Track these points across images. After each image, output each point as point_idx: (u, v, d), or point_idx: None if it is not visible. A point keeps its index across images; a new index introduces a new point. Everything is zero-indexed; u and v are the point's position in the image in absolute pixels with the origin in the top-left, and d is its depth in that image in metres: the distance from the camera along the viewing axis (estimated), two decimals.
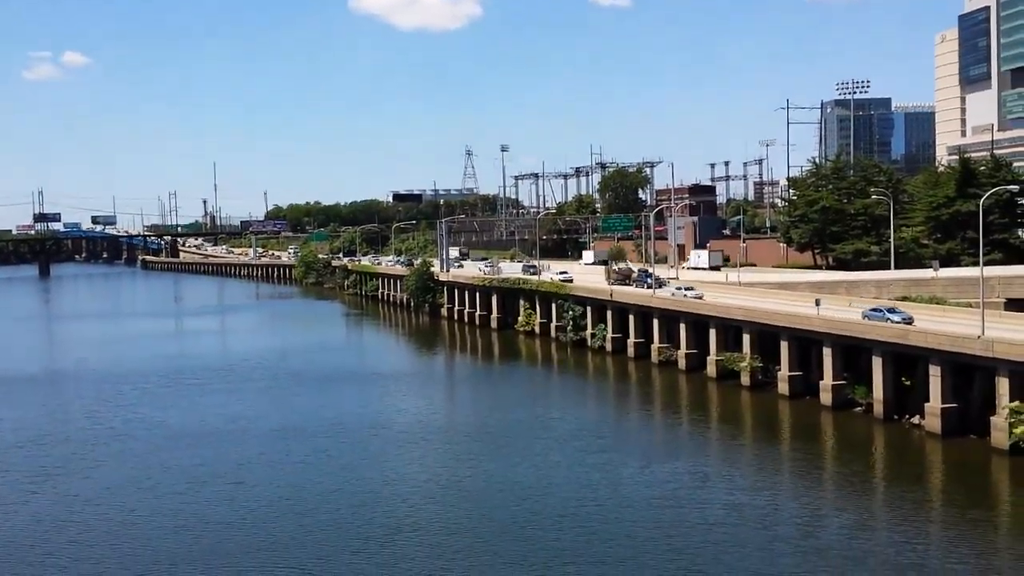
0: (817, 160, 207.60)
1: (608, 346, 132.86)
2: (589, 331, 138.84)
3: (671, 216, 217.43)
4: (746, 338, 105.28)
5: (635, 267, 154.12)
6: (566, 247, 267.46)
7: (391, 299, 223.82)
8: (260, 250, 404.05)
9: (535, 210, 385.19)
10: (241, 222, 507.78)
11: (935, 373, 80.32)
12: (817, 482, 72.23)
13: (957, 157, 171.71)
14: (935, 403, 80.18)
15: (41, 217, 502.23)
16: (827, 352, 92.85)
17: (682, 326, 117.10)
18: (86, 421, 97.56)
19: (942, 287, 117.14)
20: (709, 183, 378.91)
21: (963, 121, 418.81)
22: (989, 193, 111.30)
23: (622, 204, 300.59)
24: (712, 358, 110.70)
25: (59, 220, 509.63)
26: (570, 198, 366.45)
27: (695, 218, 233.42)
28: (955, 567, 52.96)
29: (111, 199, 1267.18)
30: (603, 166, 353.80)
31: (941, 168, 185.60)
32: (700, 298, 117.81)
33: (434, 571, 53.63)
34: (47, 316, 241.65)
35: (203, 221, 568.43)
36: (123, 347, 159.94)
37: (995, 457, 73.34)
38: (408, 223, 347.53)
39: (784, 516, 62.47)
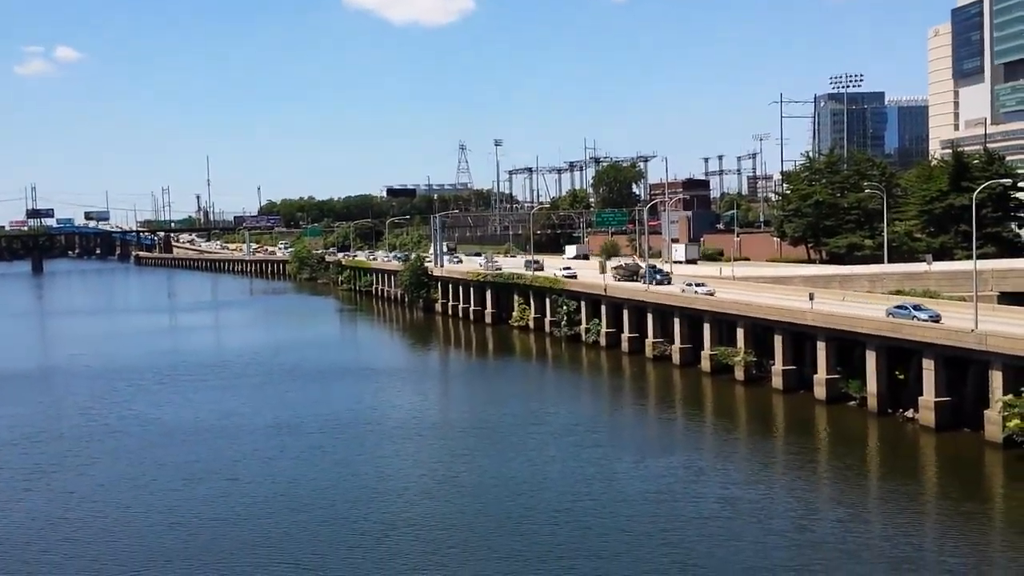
0: (810, 154, 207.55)
1: (602, 341, 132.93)
2: (583, 326, 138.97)
3: (665, 210, 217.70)
4: (740, 332, 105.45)
5: (642, 263, 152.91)
6: (560, 242, 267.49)
7: (385, 294, 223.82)
8: (254, 246, 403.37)
9: (529, 205, 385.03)
10: (235, 217, 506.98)
11: (929, 367, 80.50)
12: (811, 476, 72.37)
13: (950, 151, 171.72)
14: (929, 397, 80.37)
15: (34, 213, 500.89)
16: (821, 346, 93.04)
17: (676, 321, 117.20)
18: (80, 418, 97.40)
19: (935, 281, 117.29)
20: (703, 177, 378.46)
21: (956, 115, 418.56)
22: (982, 187, 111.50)
23: (616, 199, 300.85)
24: (706, 352, 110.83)
25: (52, 216, 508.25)
26: (564, 193, 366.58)
27: (689, 212, 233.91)
28: (949, 560, 53.11)
29: (104, 195, 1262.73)
30: (597, 160, 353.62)
31: (934, 162, 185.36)
32: (712, 295, 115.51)
33: (429, 566, 53.67)
34: (40, 312, 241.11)
35: (196, 217, 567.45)
36: (117, 343, 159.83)
37: (988, 450, 73.49)
38: (402, 218, 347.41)
39: (778, 510, 62.58)
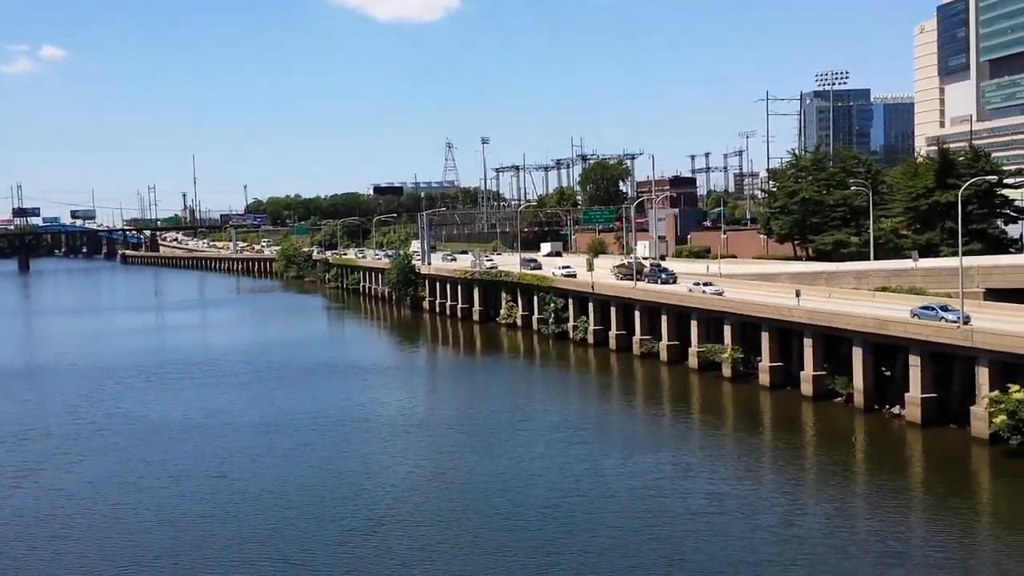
0: (797, 151, 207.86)
1: (590, 338, 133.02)
2: (571, 323, 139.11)
3: (652, 208, 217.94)
4: (727, 329, 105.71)
5: (646, 261, 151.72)
6: (547, 239, 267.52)
7: (373, 292, 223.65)
8: (242, 244, 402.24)
9: (516, 203, 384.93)
10: (221, 216, 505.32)
11: (915, 363, 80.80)
12: (798, 472, 72.65)
13: (936, 148, 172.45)
14: (915, 393, 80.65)
15: (20, 212, 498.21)
16: (808, 343, 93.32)
17: (664, 318, 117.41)
18: (67, 416, 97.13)
19: (921, 278, 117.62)
20: (689, 175, 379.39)
21: (942, 112, 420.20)
22: (968, 184, 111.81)
23: (603, 196, 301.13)
24: (694, 350, 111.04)
25: (38, 215, 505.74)
26: (551, 190, 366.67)
27: (676, 210, 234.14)
28: (936, 555, 53.39)
29: (90, 193, 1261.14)
30: (584, 158, 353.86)
31: (920, 159, 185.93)
32: (720, 294, 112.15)
33: (417, 562, 53.72)
34: (27, 311, 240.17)
35: (183, 215, 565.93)
36: (104, 342, 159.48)
37: (975, 446, 73.77)
38: (389, 216, 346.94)
39: (765, 505, 62.80)
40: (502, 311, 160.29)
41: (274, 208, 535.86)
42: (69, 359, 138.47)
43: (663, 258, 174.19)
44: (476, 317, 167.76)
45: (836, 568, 51.47)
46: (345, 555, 55.09)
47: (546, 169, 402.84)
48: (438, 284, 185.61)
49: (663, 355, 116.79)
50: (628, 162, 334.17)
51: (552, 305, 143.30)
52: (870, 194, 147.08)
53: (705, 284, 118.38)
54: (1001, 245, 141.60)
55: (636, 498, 64.36)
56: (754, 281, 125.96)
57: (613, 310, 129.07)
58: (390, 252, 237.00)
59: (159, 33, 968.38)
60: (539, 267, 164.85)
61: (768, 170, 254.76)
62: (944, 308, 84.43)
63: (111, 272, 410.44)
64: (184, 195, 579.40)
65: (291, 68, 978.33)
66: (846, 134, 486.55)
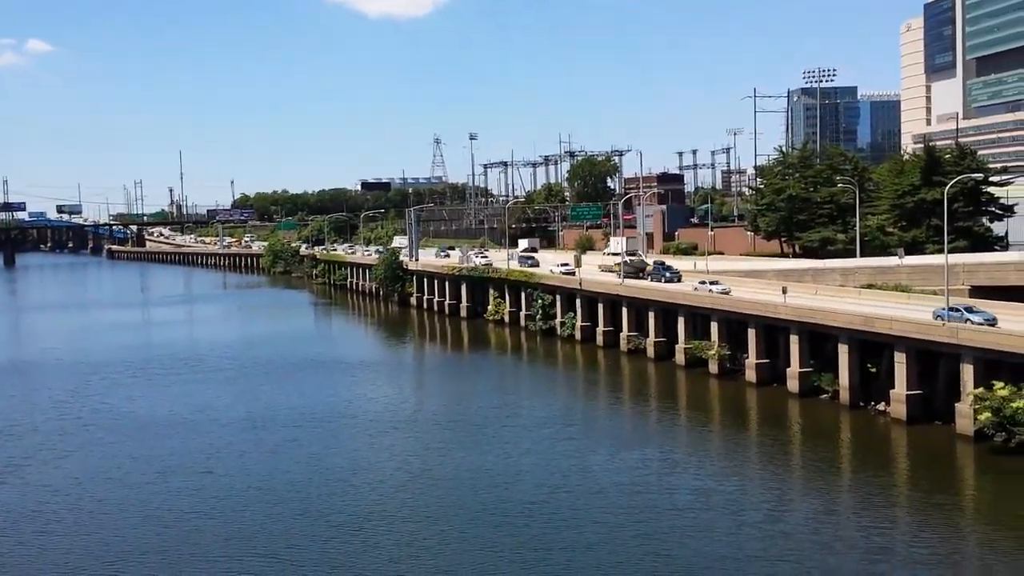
0: (784, 149, 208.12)
1: (577, 334, 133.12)
2: (558, 319, 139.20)
3: (639, 205, 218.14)
4: (714, 326, 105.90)
5: (649, 259, 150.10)
6: (535, 236, 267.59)
7: (360, 288, 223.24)
8: (229, 239, 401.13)
9: (504, 199, 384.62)
10: (208, 211, 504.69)
11: (900, 360, 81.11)
12: (784, 468, 72.88)
13: (922, 145, 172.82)
14: (900, 390, 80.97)
15: (6, 206, 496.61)
16: (794, 340, 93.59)
17: (651, 314, 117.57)
18: (54, 411, 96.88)
19: (907, 275, 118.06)
20: (677, 172, 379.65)
21: (928, 110, 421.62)
22: (954, 181, 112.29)
23: (591, 193, 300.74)
24: (681, 346, 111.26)
25: (24, 209, 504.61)
26: (539, 187, 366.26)
27: (663, 207, 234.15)
28: (920, 551, 53.70)
29: (77, 188, 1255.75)
30: (572, 155, 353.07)
31: (906, 156, 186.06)
32: (727, 293, 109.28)
33: (404, 558, 53.79)
34: (13, 307, 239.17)
35: (169, 210, 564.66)
36: (90, 337, 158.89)
37: (960, 443, 74.10)
38: (377, 212, 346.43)
39: (751, 501, 63.00)
40: (490, 307, 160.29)
41: (261, 203, 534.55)
42: (55, 354, 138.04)
43: (634, 254, 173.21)
44: (464, 313, 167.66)
45: (821, 564, 51.72)
46: (332, 551, 55.10)
47: (534, 165, 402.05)
48: (426, 280, 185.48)
49: (650, 351, 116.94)
50: (616, 159, 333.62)
51: (540, 301, 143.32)
52: (856, 191, 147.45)
53: (712, 283, 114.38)
54: (986, 243, 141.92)
55: (622, 494, 64.51)
56: (741, 278, 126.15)
57: (600, 306, 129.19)
58: (381, 248, 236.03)
59: (147, 29, 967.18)
60: (536, 264, 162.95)
61: (755, 167, 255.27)
62: (970, 309, 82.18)
63: (97, 267, 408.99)
64: (171, 190, 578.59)
65: (280, 64, 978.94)
66: (833, 131, 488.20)
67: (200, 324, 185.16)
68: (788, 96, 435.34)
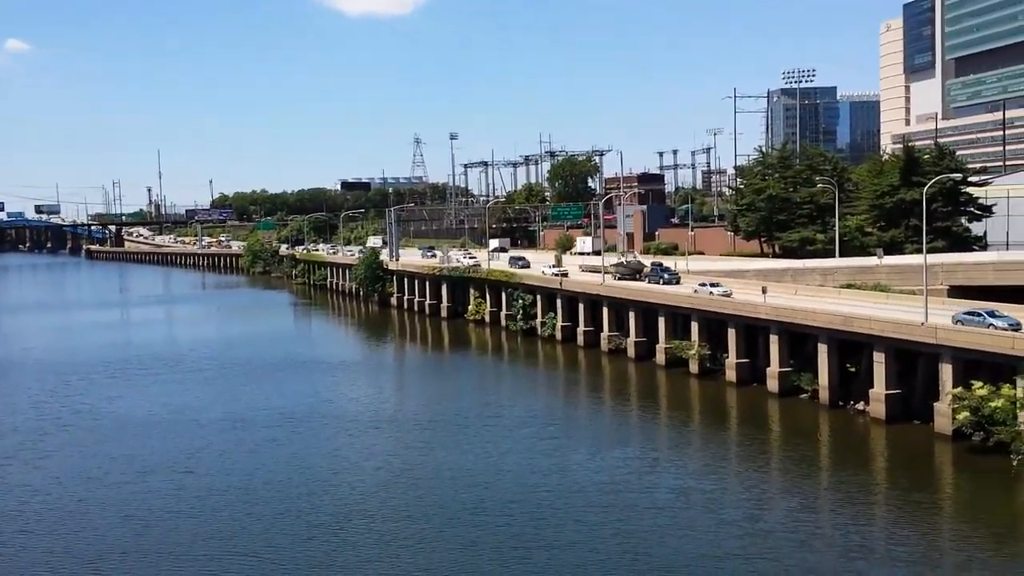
0: (764, 149, 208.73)
1: (558, 335, 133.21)
2: (539, 320, 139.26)
3: (620, 205, 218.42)
4: (694, 326, 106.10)
5: (646, 260, 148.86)
6: (516, 236, 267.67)
7: (340, 288, 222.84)
8: (208, 239, 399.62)
9: (485, 199, 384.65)
10: (186, 211, 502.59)
11: (879, 360, 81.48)
12: (763, 467, 73.09)
13: (901, 146, 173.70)
14: (879, 389, 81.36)
15: None
16: (774, 339, 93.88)
17: (631, 314, 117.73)
18: (33, 412, 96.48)
19: (886, 275, 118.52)
20: (658, 171, 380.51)
21: (907, 110, 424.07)
22: (933, 181, 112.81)
23: (572, 193, 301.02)
24: (661, 346, 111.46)
25: (2, 210, 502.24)
26: (520, 187, 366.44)
27: (644, 207, 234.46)
28: (898, 548, 53.98)
29: (55, 188, 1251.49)
30: (552, 154, 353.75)
31: (886, 157, 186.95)
32: (729, 295, 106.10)
33: (384, 557, 53.78)
34: None
35: (148, 210, 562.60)
36: (70, 337, 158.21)
37: (938, 442, 74.47)
38: (357, 212, 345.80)
39: (731, 500, 63.23)
40: (470, 307, 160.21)
41: (240, 203, 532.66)
42: (34, 355, 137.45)
43: (599, 253, 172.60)
44: (444, 313, 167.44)
45: (800, 562, 51.95)
46: (312, 550, 55.03)
47: (515, 165, 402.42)
48: (406, 280, 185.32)
49: (630, 351, 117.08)
50: (596, 159, 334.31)
51: (520, 301, 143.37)
52: (836, 191, 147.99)
53: (712, 285, 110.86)
54: (965, 243, 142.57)
55: (602, 493, 64.64)
56: (722, 278, 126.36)
57: (581, 306, 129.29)
58: (364, 248, 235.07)
59: (123, 28, 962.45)
60: (527, 265, 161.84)
61: (735, 167, 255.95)
62: (992, 314, 78.92)
63: (76, 267, 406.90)
64: (149, 190, 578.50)
65: (259, 64, 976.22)
66: (812, 131, 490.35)
67: (179, 324, 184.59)
68: (768, 96, 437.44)
